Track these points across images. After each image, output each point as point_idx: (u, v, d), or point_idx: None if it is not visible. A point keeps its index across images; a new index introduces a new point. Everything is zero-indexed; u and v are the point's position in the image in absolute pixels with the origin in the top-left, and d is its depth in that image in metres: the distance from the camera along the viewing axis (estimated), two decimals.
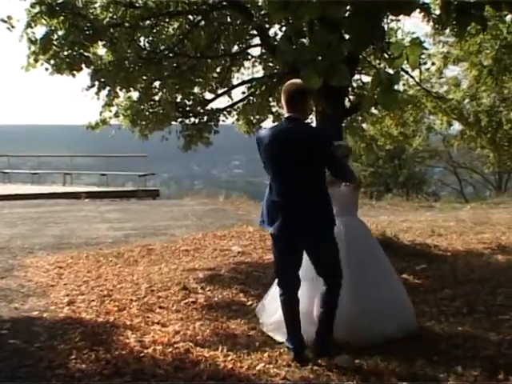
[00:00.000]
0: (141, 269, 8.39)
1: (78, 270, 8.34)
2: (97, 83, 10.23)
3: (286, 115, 4.72)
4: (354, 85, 11.93)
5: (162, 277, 7.74)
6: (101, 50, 10.18)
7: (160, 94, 11.10)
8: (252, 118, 12.56)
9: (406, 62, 3.46)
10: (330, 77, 3.39)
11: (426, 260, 8.63)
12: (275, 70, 11.26)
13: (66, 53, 9.05)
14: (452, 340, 5.17)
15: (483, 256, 9.03)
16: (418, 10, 4.79)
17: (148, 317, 5.97)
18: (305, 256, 4.73)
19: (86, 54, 9.29)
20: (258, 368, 4.53)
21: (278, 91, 11.16)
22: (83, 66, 9.32)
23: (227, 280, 7.51)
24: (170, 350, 4.92)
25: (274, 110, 12.40)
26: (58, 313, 6.12)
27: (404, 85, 12.78)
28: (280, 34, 10.37)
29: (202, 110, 11.63)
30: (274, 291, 5.16)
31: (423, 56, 11.94)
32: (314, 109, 8.56)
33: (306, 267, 4.78)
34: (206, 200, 18.85)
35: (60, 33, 8.96)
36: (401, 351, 4.84)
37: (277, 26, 10.43)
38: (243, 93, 11.83)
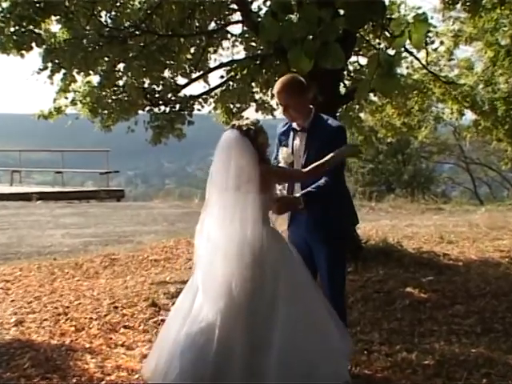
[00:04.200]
0: (102, 282, 8.36)
1: (29, 283, 8.28)
2: (50, 65, 10.16)
3: None
4: (350, 68, 11.97)
5: (128, 291, 7.71)
6: (54, 26, 10.13)
7: (125, 78, 11.05)
8: (232, 106, 12.54)
9: (409, 41, 3.47)
10: (322, 58, 3.39)
11: (434, 271, 8.68)
12: (258, 51, 11.26)
13: (12, 29, 8.96)
14: (465, 364, 5.20)
15: (500, 266, 9.10)
16: None
17: (110, 338, 5.94)
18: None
19: (36, 30, 9.21)
20: None
21: (262, 75, 11.18)
22: (33, 44, 9.24)
23: None
24: (136, 376, 4.90)
25: (257, 97, 12.38)
26: (3, 335, 6.07)
27: (408, 68, 12.85)
28: (264, 9, 10.38)
29: (173, 97, 11.59)
30: None
31: (430, 34, 11.95)
32: None
33: None
34: (178, 202, 18.81)
35: (4, 5, 8.88)
36: (405, 376, 4.87)
37: (260, 0, 10.46)
38: (221, 77, 11.81)
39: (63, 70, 10.30)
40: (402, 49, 3.72)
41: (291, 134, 5.18)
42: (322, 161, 4.76)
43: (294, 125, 5.16)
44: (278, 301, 4.49)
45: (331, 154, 4.77)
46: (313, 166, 4.79)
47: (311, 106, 5.16)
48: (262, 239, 4.58)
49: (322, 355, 4.47)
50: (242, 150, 4.58)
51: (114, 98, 11.26)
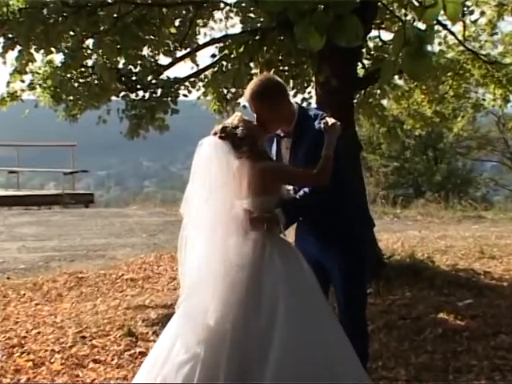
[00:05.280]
0: (67, 306, 8.36)
1: None
2: (2, 41, 10.16)
3: None
4: (371, 45, 11.97)
5: (98, 318, 7.72)
6: None
7: (94, 57, 11.05)
8: (226, 91, 12.54)
9: (443, 12, 3.48)
10: (336, 34, 3.40)
11: (473, 293, 8.68)
12: (258, 24, 11.27)
13: None
14: None
15: None
16: None
17: (77, 375, 5.94)
18: None
19: None
20: None
21: (263, 53, 11.19)
22: None
23: None
24: None
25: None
26: None
27: (441, 45, 12.84)
28: None
29: (154, 81, 11.57)
30: None
31: (468, 3, 11.99)
32: (314, 79, 8.59)
33: None
34: (160, 208, 18.81)
35: None
36: None
37: None
38: (213, 56, 11.79)
39: (18, 47, 10.29)
40: (435, 21, 3.71)
41: (274, 140, 5.23)
42: (323, 159, 4.84)
43: (278, 130, 5.19)
44: (275, 329, 4.58)
45: (324, 147, 4.85)
46: (320, 165, 4.83)
47: (294, 104, 5.19)
48: (255, 251, 4.75)
49: None
50: (221, 157, 4.74)
51: (81, 81, 11.24)
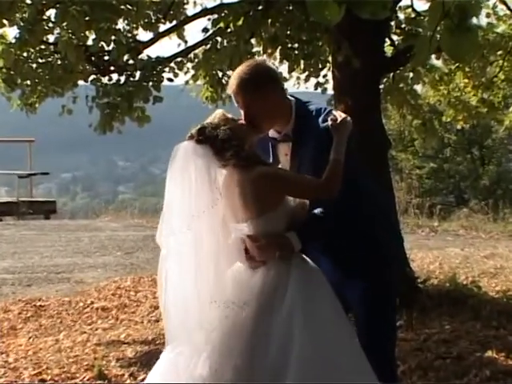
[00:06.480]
0: (22, 342, 8.37)
1: None
2: None
3: None
4: (401, 17, 12.00)
5: (61, 356, 7.73)
6: None
7: (57, 31, 11.08)
8: (221, 74, 12.57)
9: None
10: (358, 3, 3.42)
11: None
12: None
13: None
14: None
15: None
16: None
17: None
18: None
19: None
20: None
21: (267, 28, 11.21)
22: None
23: None
24: None
25: (257, 59, 12.41)
26: None
27: (489, 16, 12.87)
28: None
29: (131, 61, 11.61)
30: None
31: None
32: (331, 60, 8.61)
33: None
34: (138, 220, 18.84)
35: None
36: None
37: None
38: (205, 30, 11.84)
39: None
40: None
41: (269, 146, 5.15)
42: (331, 163, 4.78)
43: (272, 133, 5.12)
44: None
45: (333, 149, 4.79)
46: (328, 170, 4.77)
47: (290, 99, 5.12)
48: (263, 285, 4.71)
49: None
50: (201, 167, 4.67)
51: (40, 61, 11.28)
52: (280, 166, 5.05)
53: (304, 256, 4.89)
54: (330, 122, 4.86)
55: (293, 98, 5.10)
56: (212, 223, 4.68)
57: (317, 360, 4.59)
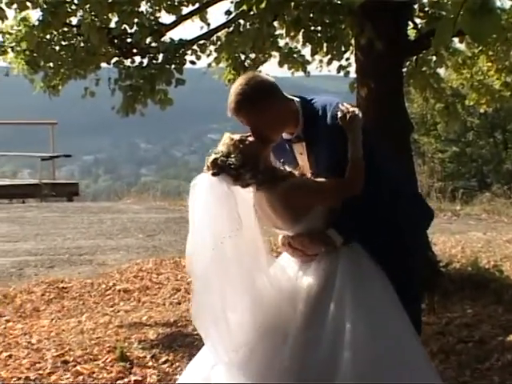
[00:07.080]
0: (45, 324, 8.39)
1: None
2: None
3: None
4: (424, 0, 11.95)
5: (83, 338, 7.74)
6: None
7: (80, 13, 11.07)
8: (243, 57, 12.54)
9: None
10: None
11: None
12: None
13: None
14: None
15: None
16: None
17: None
18: None
19: None
20: None
21: (290, 10, 11.17)
22: None
23: (198, 343, 7.49)
24: None
25: (281, 43, 12.37)
26: None
27: None
28: None
29: (154, 44, 11.60)
30: None
31: None
32: (354, 42, 8.58)
33: None
34: (160, 202, 18.84)
35: None
36: None
37: None
38: (228, 13, 11.81)
39: None
40: None
41: (287, 147, 5.15)
42: (351, 162, 4.79)
43: (285, 135, 5.11)
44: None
45: (349, 147, 4.79)
46: (350, 169, 4.79)
47: (294, 99, 5.08)
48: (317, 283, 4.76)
49: None
50: (223, 201, 4.71)
51: (63, 43, 11.27)
52: (300, 166, 5.06)
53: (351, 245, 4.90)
54: (339, 120, 4.83)
55: (297, 99, 5.06)
56: (235, 250, 4.69)
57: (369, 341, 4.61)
